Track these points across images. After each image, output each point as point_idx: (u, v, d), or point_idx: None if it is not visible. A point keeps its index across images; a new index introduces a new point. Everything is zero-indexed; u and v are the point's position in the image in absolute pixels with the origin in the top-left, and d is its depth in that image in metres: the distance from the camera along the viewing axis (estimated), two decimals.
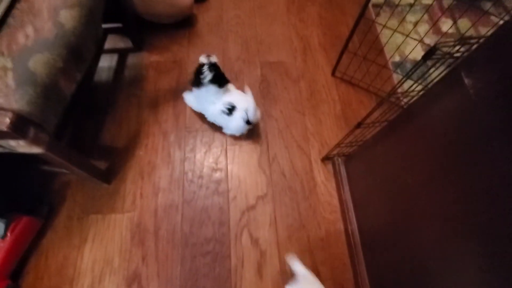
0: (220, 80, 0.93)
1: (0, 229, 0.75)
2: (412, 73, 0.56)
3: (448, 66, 0.62)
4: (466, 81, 0.45)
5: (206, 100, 0.97)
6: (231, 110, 0.94)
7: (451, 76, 0.50)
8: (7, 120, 0.55)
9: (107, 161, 1.00)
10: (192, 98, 1.06)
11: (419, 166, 0.60)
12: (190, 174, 1.00)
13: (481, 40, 0.45)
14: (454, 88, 0.49)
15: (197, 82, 0.93)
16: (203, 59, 0.93)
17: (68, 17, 0.66)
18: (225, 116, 0.95)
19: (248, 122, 0.95)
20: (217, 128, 1.08)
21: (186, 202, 0.96)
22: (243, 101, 0.95)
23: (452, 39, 1.35)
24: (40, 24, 0.63)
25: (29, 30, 0.62)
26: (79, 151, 0.91)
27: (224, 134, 1.08)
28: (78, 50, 0.68)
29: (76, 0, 0.68)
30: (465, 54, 0.49)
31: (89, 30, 0.71)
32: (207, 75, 0.90)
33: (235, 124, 0.97)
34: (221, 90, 0.94)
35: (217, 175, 1.01)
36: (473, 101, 0.44)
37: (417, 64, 0.55)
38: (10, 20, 0.63)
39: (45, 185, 0.95)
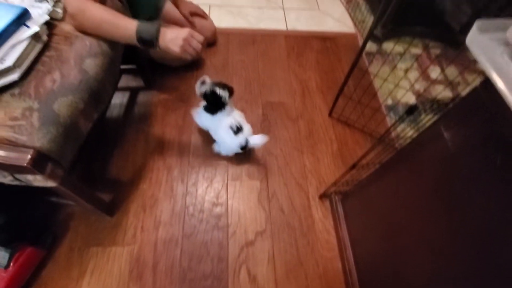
0: (231, 90, 0.98)
1: (4, 259, 0.76)
2: (398, 125, 0.63)
3: (438, 112, 0.68)
4: (445, 134, 0.51)
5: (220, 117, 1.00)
6: (239, 129, 0.99)
7: (433, 128, 0.56)
8: (28, 157, 0.60)
9: (112, 194, 1.03)
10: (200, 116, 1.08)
11: (410, 208, 0.64)
12: (191, 208, 1.03)
13: (456, 100, 0.51)
14: (436, 139, 0.54)
15: (218, 107, 0.97)
16: (202, 87, 0.95)
17: (92, 65, 0.74)
18: (230, 132, 0.98)
19: (243, 147, 1.01)
20: (219, 163, 1.13)
21: (186, 237, 0.97)
22: (248, 128, 1.02)
23: (440, 86, 1.42)
24: (67, 70, 0.71)
25: (56, 75, 0.70)
26: (87, 184, 0.95)
27: (225, 169, 1.12)
28: (98, 93, 0.75)
29: (100, 50, 0.77)
30: (444, 110, 0.55)
31: (109, 75, 0.79)
32: (224, 94, 0.93)
33: (231, 144, 1.01)
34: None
35: (218, 209, 1.04)
36: (452, 153, 0.50)
37: (400, 118, 0.61)
38: (39, 67, 0.70)
39: (50, 215, 0.97)
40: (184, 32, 0.77)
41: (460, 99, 0.48)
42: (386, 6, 1.41)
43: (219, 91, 0.94)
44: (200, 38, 0.79)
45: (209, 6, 1.67)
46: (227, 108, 0.99)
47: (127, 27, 0.75)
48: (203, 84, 0.97)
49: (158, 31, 0.75)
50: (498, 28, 0.37)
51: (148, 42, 0.76)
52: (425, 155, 0.57)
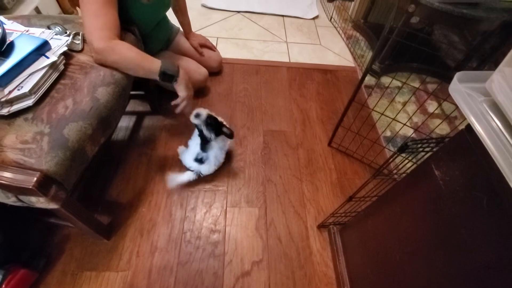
0: (219, 130, 1.03)
1: None
2: (396, 158, 0.65)
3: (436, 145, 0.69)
4: (436, 172, 0.53)
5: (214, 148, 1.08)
6: (199, 160, 1.08)
7: (425, 165, 0.58)
8: (34, 179, 0.62)
9: (110, 216, 1.03)
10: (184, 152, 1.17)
11: (404, 243, 0.64)
12: (188, 234, 1.02)
13: (446, 140, 0.53)
14: (428, 177, 0.56)
15: (204, 143, 1.06)
16: (196, 121, 1.00)
17: (104, 93, 0.79)
18: (193, 155, 1.09)
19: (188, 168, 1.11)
20: (218, 189, 1.14)
21: (181, 264, 0.96)
22: (209, 165, 1.10)
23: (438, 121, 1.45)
24: (80, 98, 0.75)
25: (69, 102, 0.74)
26: (86, 205, 0.95)
27: (224, 195, 1.13)
28: (107, 120, 0.79)
29: (112, 79, 0.82)
30: (434, 148, 0.57)
31: (119, 103, 0.83)
32: (210, 132, 1.00)
33: (186, 160, 1.12)
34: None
35: (215, 236, 1.03)
36: (443, 191, 0.51)
37: (392, 156, 0.63)
38: (54, 93, 0.75)
39: (45, 237, 0.97)
40: (192, 88, 1.03)
41: (449, 139, 0.50)
42: (383, 44, 1.49)
43: (204, 129, 1.00)
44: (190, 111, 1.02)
45: (217, 39, 1.78)
46: (213, 142, 1.06)
47: (153, 63, 0.89)
48: (197, 117, 1.00)
49: (178, 69, 0.94)
50: (477, 79, 0.41)
51: (170, 76, 0.92)
52: (418, 192, 0.59)
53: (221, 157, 1.13)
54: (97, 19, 0.81)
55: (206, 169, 1.11)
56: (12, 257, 0.86)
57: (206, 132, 1.00)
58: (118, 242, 0.98)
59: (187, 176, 1.10)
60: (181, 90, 0.97)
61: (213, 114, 1.03)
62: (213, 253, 0.99)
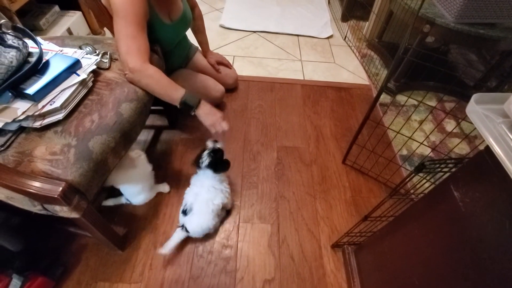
0: (216, 166, 0.99)
1: (16, 287, 0.78)
2: (407, 182, 0.64)
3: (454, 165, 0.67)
4: (455, 194, 0.52)
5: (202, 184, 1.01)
6: (185, 212, 0.98)
7: (443, 186, 0.57)
8: (60, 189, 0.65)
9: (126, 227, 1.05)
10: None
11: (423, 267, 0.62)
12: (200, 249, 1.02)
13: (464, 161, 0.53)
14: (447, 198, 0.55)
15: (197, 164, 1.01)
16: (209, 144, 1.02)
17: (127, 108, 0.83)
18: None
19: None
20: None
21: (192, 279, 0.96)
22: (204, 218, 0.97)
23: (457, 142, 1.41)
24: (105, 113, 0.80)
25: (95, 116, 0.79)
26: (103, 215, 0.98)
27: (237, 210, 1.13)
28: (129, 134, 0.82)
29: (135, 96, 0.87)
30: (453, 169, 0.56)
31: (140, 118, 0.87)
32: (205, 160, 0.98)
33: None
34: (217, 176, 1.01)
35: (227, 252, 1.02)
36: (463, 213, 0.50)
37: (409, 175, 0.63)
38: (82, 108, 0.80)
39: (63, 245, 1.00)
40: (218, 114, 1.01)
41: (467, 160, 0.50)
42: (398, 63, 1.50)
43: (205, 154, 0.99)
44: (226, 126, 1.00)
45: (233, 57, 1.85)
46: (200, 171, 1.01)
47: (177, 92, 0.94)
48: (213, 143, 1.03)
49: (199, 101, 0.98)
50: (495, 101, 0.41)
51: (189, 107, 0.96)
52: (437, 213, 0.57)
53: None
54: (135, 41, 0.87)
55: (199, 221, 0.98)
56: (31, 265, 0.89)
57: (205, 156, 0.99)
58: (132, 253, 1.00)
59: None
60: (203, 120, 0.99)
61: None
62: (225, 269, 0.98)
